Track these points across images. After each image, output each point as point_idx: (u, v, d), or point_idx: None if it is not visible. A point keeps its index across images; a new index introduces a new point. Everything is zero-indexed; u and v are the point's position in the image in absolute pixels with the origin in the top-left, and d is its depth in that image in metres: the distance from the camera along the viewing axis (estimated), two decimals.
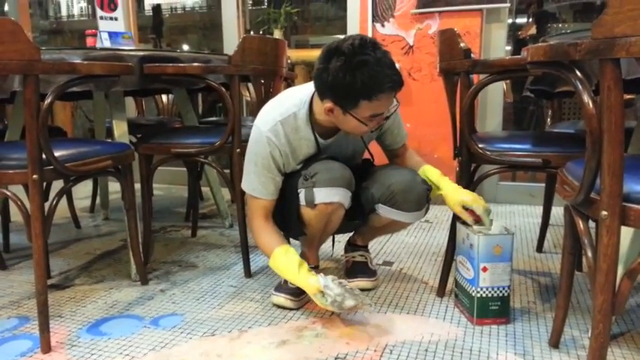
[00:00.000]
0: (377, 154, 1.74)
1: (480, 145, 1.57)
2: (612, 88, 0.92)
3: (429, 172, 1.62)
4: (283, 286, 1.64)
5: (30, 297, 1.74)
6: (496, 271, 1.44)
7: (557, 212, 2.55)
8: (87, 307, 1.66)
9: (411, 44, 2.93)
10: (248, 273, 1.90)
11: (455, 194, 1.53)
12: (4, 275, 1.95)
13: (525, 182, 3.06)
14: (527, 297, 1.68)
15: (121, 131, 1.93)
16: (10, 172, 1.34)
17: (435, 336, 1.43)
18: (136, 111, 3.37)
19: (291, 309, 1.61)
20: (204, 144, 1.87)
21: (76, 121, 4.40)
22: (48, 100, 1.35)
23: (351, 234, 1.89)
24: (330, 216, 1.52)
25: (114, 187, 3.19)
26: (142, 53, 1.83)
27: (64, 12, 5.61)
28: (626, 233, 1.34)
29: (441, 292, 1.69)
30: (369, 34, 2.92)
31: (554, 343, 1.35)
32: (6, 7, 4.07)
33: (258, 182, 1.54)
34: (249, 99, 3.20)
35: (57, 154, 1.39)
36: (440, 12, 2.83)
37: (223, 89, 1.85)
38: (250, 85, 2.90)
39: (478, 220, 1.49)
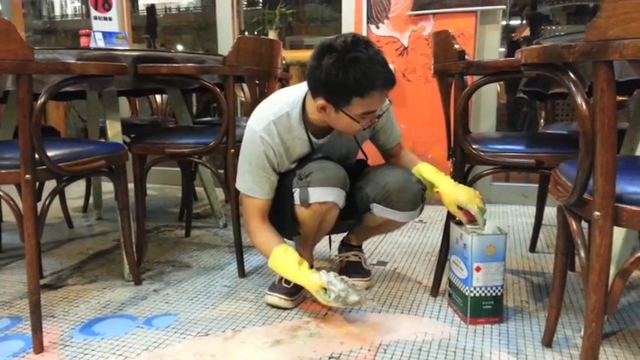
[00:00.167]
0: (371, 154, 1.75)
1: (473, 146, 1.57)
2: (605, 90, 0.93)
3: (424, 171, 1.62)
4: (277, 286, 1.64)
5: (22, 297, 1.73)
6: (489, 270, 1.45)
7: (550, 212, 2.57)
8: (80, 307, 1.65)
9: (406, 45, 2.94)
10: (242, 273, 1.90)
11: (451, 193, 1.52)
12: None
13: (518, 183, 3.07)
14: (521, 296, 1.68)
15: (114, 131, 1.93)
16: (3, 171, 1.33)
17: (429, 335, 1.44)
18: (129, 111, 3.35)
19: (285, 309, 1.61)
20: (198, 144, 1.87)
21: (69, 120, 4.38)
22: (41, 100, 1.35)
23: (345, 234, 1.89)
24: (324, 215, 1.52)
25: (107, 187, 3.18)
26: (136, 53, 1.82)
27: (57, 12, 5.58)
28: (618, 233, 1.35)
29: (434, 291, 1.70)
30: None
31: (547, 342, 1.36)
32: None
33: (253, 182, 1.54)
34: (243, 99, 3.19)
35: (50, 153, 1.38)
36: (434, 14, 2.84)
37: (218, 90, 1.84)
38: (245, 85, 2.91)
39: (472, 220, 1.49)
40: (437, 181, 1.58)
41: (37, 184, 1.45)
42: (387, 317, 1.55)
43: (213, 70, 1.85)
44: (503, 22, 3.13)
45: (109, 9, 2.34)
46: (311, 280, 1.41)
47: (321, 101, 1.41)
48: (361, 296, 1.39)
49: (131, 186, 1.82)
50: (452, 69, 1.57)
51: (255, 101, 1.87)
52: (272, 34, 3.47)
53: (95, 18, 2.29)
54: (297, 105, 1.52)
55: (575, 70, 1.01)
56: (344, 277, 1.43)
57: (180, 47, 5.52)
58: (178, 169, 2.78)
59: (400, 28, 2.93)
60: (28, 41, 1.29)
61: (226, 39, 3.36)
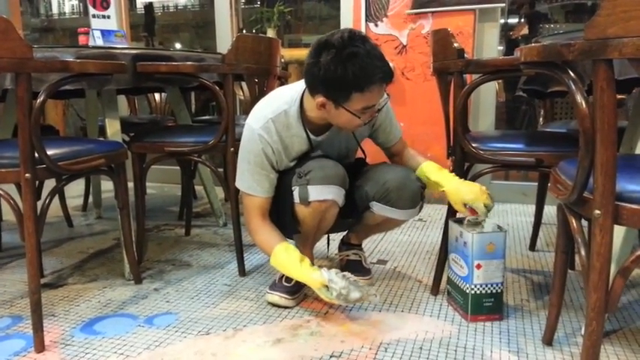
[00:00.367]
0: (370, 152, 1.75)
1: (473, 145, 1.57)
2: (605, 89, 0.93)
3: (428, 171, 1.61)
4: (278, 285, 1.64)
5: (23, 296, 1.73)
6: (489, 268, 1.45)
7: (550, 211, 2.57)
8: (80, 306, 1.65)
9: (405, 44, 2.94)
10: (242, 272, 1.90)
11: (457, 192, 1.52)
12: None
13: (518, 181, 3.08)
14: (521, 295, 1.69)
15: (113, 130, 1.92)
16: (2, 170, 1.33)
17: (430, 334, 1.44)
18: (128, 109, 3.35)
19: (286, 307, 1.61)
20: (198, 143, 1.87)
21: (67, 119, 4.37)
22: (40, 99, 1.34)
23: (345, 233, 1.89)
24: (324, 213, 1.52)
25: (106, 185, 3.17)
26: (135, 52, 1.82)
27: (55, 10, 5.56)
28: (619, 231, 1.36)
29: (435, 290, 1.70)
30: None
31: (548, 340, 1.36)
32: None
33: (252, 180, 1.54)
34: (242, 98, 3.19)
35: (49, 152, 1.38)
36: (433, 12, 2.84)
37: (217, 88, 1.84)
38: (244, 83, 2.91)
39: (478, 216, 1.49)
40: (442, 180, 1.57)
41: (37, 182, 1.45)
42: (388, 316, 1.56)
43: (213, 69, 1.84)
44: (502, 20, 3.13)
45: (107, 7, 2.33)
46: (313, 277, 1.41)
47: (320, 98, 1.41)
48: (363, 293, 1.39)
49: (131, 185, 1.82)
50: (451, 67, 1.57)
51: (255, 99, 1.87)
52: (270, 32, 3.47)
53: (94, 16, 2.28)
54: (295, 102, 1.52)
55: (575, 69, 1.01)
56: (346, 273, 1.43)
57: (178, 45, 5.51)
58: (178, 167, 2.77)
59: (399, 26, 2.93)
60: (26, 39, 1.29)
61: (225, 37, 3.36)
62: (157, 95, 3.29)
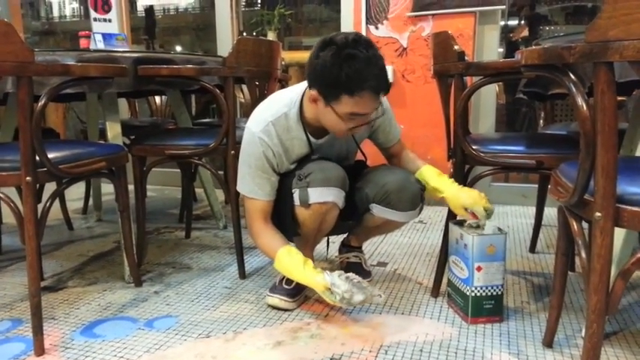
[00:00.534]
0: (370, 154, 1.75)
1: (473, 147, 1.57)
2: (606, 91, 0.93)
3: (427, 175, 1.62)
4: (278, 287, 1.64)
5: (23, 299, 1.73)
6: (490, 270, 1.45)
7: (550, 213, 2.57)
8: (80, 309, 1.65)
9: (405, 46, 2.94)
10: (242, 274, 1.90)
11: (456, 198, 1.53)
12: None
13: (518, 183, 3.08)
14: (521, 297, 1.69)
15: (114, 133, 1.93)
16: (3, 174, 1.33)
17: (430, 336, 1.44)
18: (128, 112, 3.35)
19: (286, 310, 1.61)
20: (198, 145, 1.87)
21: (68, 122, 4.37)
22: (41, 102, 1.35)
23: (345, 235, 1.89)
24: (324, 216, 1.52)
25: (107, 188, 3.17)
26: (136, 55, 1.82)
27: (55, 13, 5.57)
28: (619, 233, 1.36)
29: (435, 292, 1.70)
30: None
31: (548, 342, 1.36)
32: None
33: (254, 184, 1.54)
34: (243, 100, 3.19)
35: (50, 155, 1.38)
36: (434, 14, 2.84)
37: (218, 91, 1.85)
38: (244, 86, 2.91)
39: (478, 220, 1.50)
40: (441, 186, 1.58)
41: (38, 186, 1.45)
42: (388, 318, 1.55)
43: (214, 72, 1.85)
44: (502, 23, 3.13)
45: (108, 10, 2.34)
46: (316, 280, 1.41)
47: (314, 92, 1.42)
48: (367, 294, 1.38)
49: (131, 187, 1.82)
50: (451, 70, 1.57)
51: (255, 102, 1.87)
52: (271, 35, 3.47)
53: (95, 20, 2.28)
54: (295, 105, 1.52)
55: (575, 71, 1.01)
56: (349, 274, 1.42)
57: (179, 48, 5.52)
58: (178, 170, 2.78)
59: (399, 28, 2.93)
60: (27, 43, 1.29)
61: (225, 40, 3.36)
62: (157, 98, 3.29)
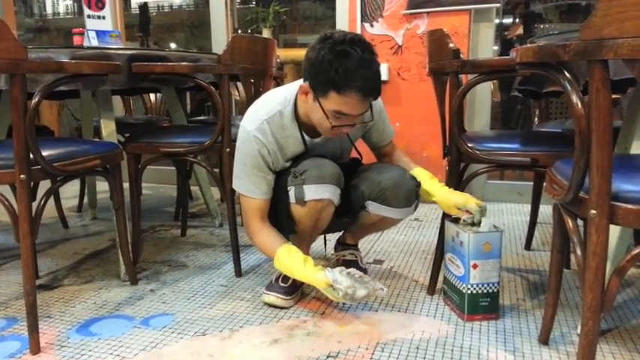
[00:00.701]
0: (365, 153, 1.75)
1: (469, 145, 1.58)
2: (600, 89, 0.93)
3: (420, 178, 1.62)
4: (274, 285, 1.64)
5: (18, 297, 1.72)
6: (486, 267, 1.45)
7: (545, 210, 2.58)
8: (76, 307, 1.64)
9: (400, 44, 2.94)
10: (238, 272, 1.90)
11: (447, 199, 1.55)
12: None
13: (513, 181, 3.09)
14: (517, 294, 1.69)
15: (108, 130, 1.92)
16: None
17: (426, 333, 1.44)
18: (123, 110, 3.34)
19: (282, 308, 1.61)
20: (193, 143, 1.86)
21: (62, 120, 4.35)
22: (35, 100, 1.34)
23: (340, 233, 1.89)
24: (320, 213, 1.52)
25: (102, 186, 3.16)
26: (130, 52, 1.81)
27: (49, 10, 5.54)
28: (614, 231, 1.36)
29: (431, 289, 1.70)
30: None
31: (544, 339, 1.37)
32: None
33: (250, 182, 1.53)
34: (238, 98, 3.19)
35: (44, 153, 1.38)
36: (429, 12, 2.85)
37: (213, 88, 1.84)
38: (239, 84, 2.90)
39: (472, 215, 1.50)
40: (432, 189, 1.60)
41: (32, 183, 1.44)
42: (385, 316, 1.56)
43: (208, 69, 1.84)
44: (497, 21, 3.13)
45: (102, 7, 2.32)
46: (318, 278, 1.40)
47: (305, 84, 1.42)
48: (369, 289, 1.38)
49: (126, 185, 1.82)
50: (447, 68, 1.58)
51: (250, 100, 1.87)
52: (266, 33, 3.47)
53: (89, 17, 2.27)
54: (289, 103, 1.52)
55: (570, 69, 1.02)
56: (351, 270, 1.41)
57: (173, 45, 5.50)
58: (173, 168, 2.77)
59: (394, 26, 2.93)
60: (20, 40, 1.28)
61: (220, 37, 3.35)
62: (152, 95, 3.28)
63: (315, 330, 1.47)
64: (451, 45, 1.55)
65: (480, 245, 1.44)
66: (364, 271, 1.82)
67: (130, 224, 1.90)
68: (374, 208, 1.60)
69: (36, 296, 1.37)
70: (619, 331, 1.44)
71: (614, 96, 2.43)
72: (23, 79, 1.28)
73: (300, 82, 1.47)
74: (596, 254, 1.00)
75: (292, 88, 1.54)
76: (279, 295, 1.61)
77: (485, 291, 1.48)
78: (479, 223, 1.49)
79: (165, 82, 2.14)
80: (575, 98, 0.98)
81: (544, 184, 1.27)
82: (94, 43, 2.17)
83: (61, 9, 5.66)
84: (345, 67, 1.32)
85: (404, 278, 1.85)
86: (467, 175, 1.66)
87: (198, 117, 3.22)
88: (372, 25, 2.97)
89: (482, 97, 2.96)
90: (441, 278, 1.68)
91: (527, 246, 2.17)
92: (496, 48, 3.41)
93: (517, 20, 4.02)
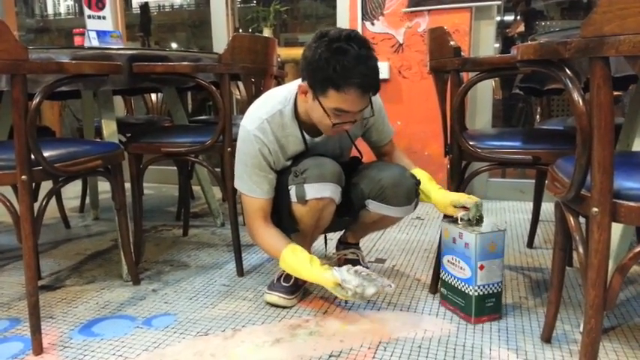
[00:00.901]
0: (365, 152, 1.74)
1: (470, 143, 1.57)
2: (602, 86, 0.93)
3: (419, 179, 1.63)
4: (276, 285, 1.64)
5: (20, 298, 1.72)
6: (491, 267, 1.45)
7: (547, 208, 2.57)
8: (78, 307, 1.64)
9: (401, 42, 2.94)
10: (240, 272, 1.90)
11: (443, 199, 1.56)
12: None
13: (515, 179, 3.08)
14: (519, 292, 1.69)
15: (110, 131, 1.92)
16: None
17: (429, 332, 1.44)
18: (124, 110, 3.34)
19: (284, 307, 1.61)
20: (194, 143, 1.86)
21: (63, 120, 4.36)
22: (36, 100, 1.34)
23: (342, 232, 1.89)
24: (321, 212, 1.52)
25: (103, 186, 3.16)
26: (130, 52, 1.81)
27: (50, 10, 5.54)
28: (616, 228, 1.36)
29: (433, 288, 1.70)
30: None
31: (547, 338, 1.37)
32: None
33: (251, 182, 1.53)
34: (239, 97, 3.19)
35: (46, 154, 1.38)
36: (429, 10, 2.84)
37: (214, 88, 1.84)
38: (240, 83, 2.90)
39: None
40: (430, 189, 1.61)
41: (34, 184, 1.44)
42: (387, 315, 1.56)
43: (209, 69, 1.84)
44: (498, 18, 3.13)
45: (102, 8, 2.32)
46: (325, 277, 1.39)
47: (304, 83, 1.42)
48: (378, 286, 1.37)
49: (128, 185, 1.82)
50: (448, 66, 1.57)
51: (251, 99, 1.86)
52: (266, 32, 3.46)
53: (89, 17, 2.27)
54: (290, 102, 1.52)
55: (571, 66, 1.01)
56: (357, 268, 1.40)
57: (174, 45, 5.50)
58: (175, 168, 2.77)
59: (395, 24, 2.93)
60: (21, 40, 1.28)
61: (221, 36, 3.35)
62: (153, 95, 3.28)
63: (317, 329, 1.47)
64: (452, 43, 1.54)
65: (486, 246, 1.43)
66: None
67: (131, 224, 1.90)
68: (374, 207, 1.60)
69: (38, 297, 1.37)
70: (622, 328, 1.44)
71: (615, 93, 2.42)
72: (24, 80, 1.28)
73: (300, 81, 1.47)
74: (598, 252, 1.00)
75: (292, 87, 1.54)
76: (281, 295, 1.61)
77: (490, 291, 1.47)
78: (477, 222, 1.48)
79: (166, 82, 2.14)
80: (576, 95, 0.98)
81: (546, 181, 1.27)
82: (95, 43, 2.17)
83: (63, 9, 5.66)
84: (343, 64, 1.32)
85: (406, 277, 1.85)
86: (468, 173, 1.66)
87: (200, 117, 3.22)
88: (372, 24, 2.97)
89: (484, 94, 2.95)
90: None
91: (530, 244, 2.17)
92: (497, 45, 3.40)
93: (518, 18, 4.01)
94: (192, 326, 1.50)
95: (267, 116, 1.50)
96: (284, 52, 3.12)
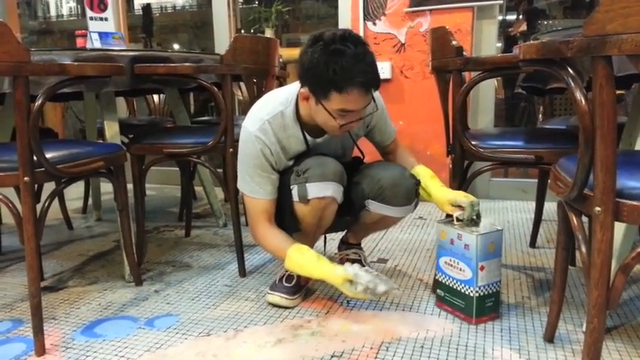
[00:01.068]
0: (368, 152, 1.74)
1: (473, 143, 1.57)
2: (604, 86, 0.93)
3: (421, 176, 1.62)
4: (278, 285, 1.64)
5: (23, 299, 1.72)
6: (491, 267, 1.44)
7: (550, 208, 2.57)
8: (81, 308, 1.65)
9: (403, 42, 2.93)
10: (243, 272, 1.90)
11: (442, 196, 1.55)
12: None
13: (518, 178, 3.08)
14: (522, 292, 1.69)
15: (112, 132, 1.92)
16: (1, 174, 1.33)
17: (431, 332, 1.44)
18: (127, 111, 3.35)
19: (286, 307, 1.61)
20: (196, 144, 1.86)
21: (66, 121, 4.37)
22: (38, 102, 1.34)
23: (343, 233, 1.89)
24: (323, 211, 1.51)
25: (106, 187, 3.17)
26: (132, 53, 1.82)
27: (52, 12, 5.56)
28: (619, 228, 1.35)
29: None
30: (361, 33, 2.92)
31: (549, 337, 1.36)
32: None
33: (254, 183, 1.53)
34: (241, 98, 3.19)
35: (48, 155, 1.38)
36: (431, 10, 2.84)
37: (215, 89, 1.84)
38: (242, 84, 2.90)
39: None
40: (432, 187, 1.60)
41: (36, 185, 1.45)
42: (389, 315, 1.55)
43: (211, 70, 1.84)
44: (500, 17, 3.12)
45: (104, 9, 2.33)
46: (336, 273, 1.39)
47: (304, 89, 1.42)
48: (389, 285, 1.37)
49: (130, 186, 1.82)
50: (450, 65, 1.57)
51: (253, 100, 1.86)
52: (268, 32, 3.46)
53: (91, 19, 2.27)
54: (291, 103, 1.52)
55: (574, 66, 1.01)
56: (367, 267, 1.41)
57: (176, 46, 5.51)
58: (177, 168, 2.77)
59: (397, 24, 2.93)
60: (24, 42, 1.28)
61: (223, 37, 3.35)
62: (155, 97, 3.29)
63: (319, 329, 1.47)
64: (454, 42, 1.54)
65: (487, 246, 1.43)
66: None
67: (134, 225, 1.90)
68: (374, 207, 1.60)
69: (41, 298, 1.37)
70: (625, 328, 1.43)
71: (618, 92, 2.41)
72: (26, 82, 1.28)
73: None
74: (601, 251, 0.99)
75: (294, 88, 1.54)
76: (283, 295, 1.61)
77: (490, 291, 1.46)
78: (472, 220, 1.47)
79: (168, 83, 2.14)
80: (578, 95, 0.98)
81: (548, 181, 1.27)
82: (97, 44, 2.17)
83: (65, 11, 5.68)
84: (342, 65, 1.31)
85: (408, 277, 1.85)
86: (471, 172, 1.66)
87: (202, 117, 3.22)
88: (374, 24, 2.97)
89: (486, 94, 2.95)
90: None
91: (532, 243, 2.16)
92: (499, 45, 3.39)
93: (520, 17, 4.01)
94: (194, 327, 1.50)
95: (268, 117, 1.50)
96: (286, 53, 3.11)
